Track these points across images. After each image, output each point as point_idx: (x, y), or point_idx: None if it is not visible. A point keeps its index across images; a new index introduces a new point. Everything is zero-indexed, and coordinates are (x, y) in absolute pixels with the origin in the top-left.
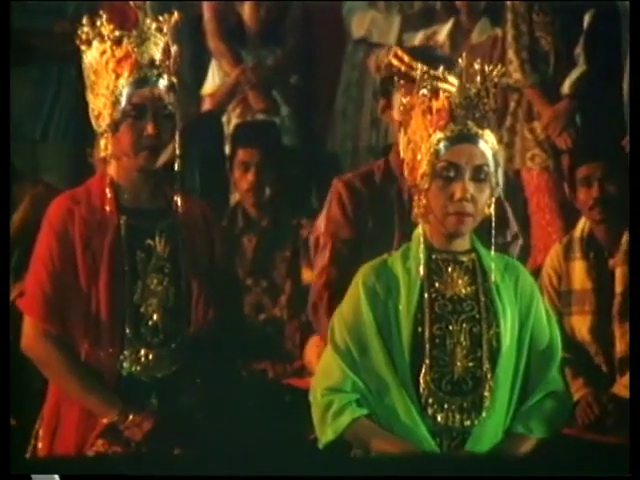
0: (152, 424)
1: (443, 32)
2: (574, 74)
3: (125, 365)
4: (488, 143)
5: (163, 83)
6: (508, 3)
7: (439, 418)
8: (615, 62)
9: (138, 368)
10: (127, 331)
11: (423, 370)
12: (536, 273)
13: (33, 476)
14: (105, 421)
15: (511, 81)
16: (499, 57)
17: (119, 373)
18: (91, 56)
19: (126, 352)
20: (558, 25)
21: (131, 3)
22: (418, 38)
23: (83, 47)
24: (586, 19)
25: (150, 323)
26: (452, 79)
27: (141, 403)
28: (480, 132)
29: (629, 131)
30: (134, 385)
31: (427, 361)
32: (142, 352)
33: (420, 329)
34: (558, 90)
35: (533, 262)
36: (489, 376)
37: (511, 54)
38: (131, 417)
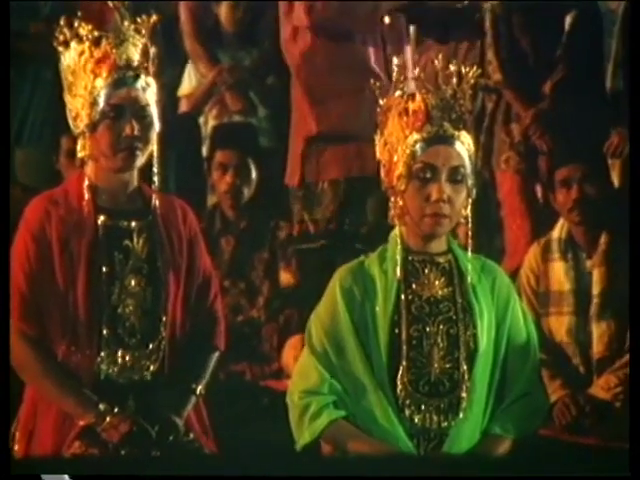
0: (129, 426)
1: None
2: (555, 75)
3: (102, 367)
4: (464, 144)
5: (141, 84)
6: (487, 4)
7: (416, 419)
8: (596, 63)
9: (115, 370)
10: (104, 332)
11: (400, 372)
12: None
13: (43, 476)
14: (82, 423)
15: (490, 82)
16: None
17: (96, 375)
18: (69, 57)
19: (103, 353)
20: (538, 26)
21: (109, 3)
22: None
23: (60, 48)
24: (567, 20)
25: (127, 324)
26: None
27: (119, 405)
28: (456, 133)
29: (629, 131)
30: (111, 387)
31: (404, 363)
32: (119, 353)
33: (397, 331)
34: (538, 91)
35: (504, 266)
36: (466, 377)
37: (490, 55)
38: (108, 419)
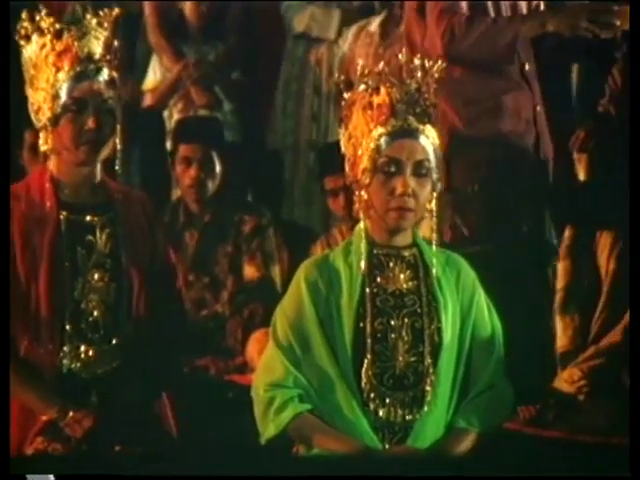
0: (92, 421)
1: (375, 22)
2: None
3: (65, 362)
4: (429, 138)
5: (104, 77)
6: None
7: (381, 413)
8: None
9: (78, 364)
10: (67, 327)
11: (365, 365)
12: None
13: (28, 476)
14: (45, 418)
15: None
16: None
17: (59, 370)
18: (31, 50)
19: (66, 348)
20: None
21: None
22: (352, 31)
23: (22, 42)
24: None
25: (90, 319)
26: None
27: (81, 400)
28: (421, 127)
29: (630, 132)
30: (74, 382)
31: (369, 356)
32: (82, 348)
33: (362, 324)
34: None
35: None
36: (431, 371)
37: None
38: (71, 414)
